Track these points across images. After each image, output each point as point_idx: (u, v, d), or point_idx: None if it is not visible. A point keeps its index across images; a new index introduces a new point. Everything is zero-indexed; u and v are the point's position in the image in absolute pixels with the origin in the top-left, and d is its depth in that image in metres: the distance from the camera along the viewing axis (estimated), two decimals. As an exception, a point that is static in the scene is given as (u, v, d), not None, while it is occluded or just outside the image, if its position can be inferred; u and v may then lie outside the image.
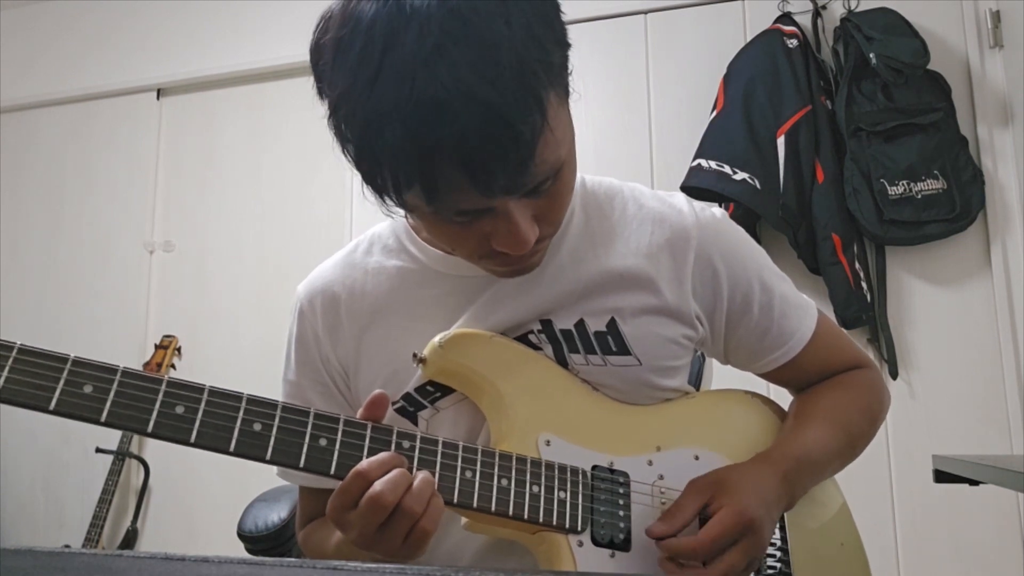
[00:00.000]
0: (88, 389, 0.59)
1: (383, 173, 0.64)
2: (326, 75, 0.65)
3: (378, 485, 0.63)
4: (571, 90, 0.69)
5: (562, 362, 0.81)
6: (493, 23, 0.59)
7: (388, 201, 0.67)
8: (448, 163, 0.61)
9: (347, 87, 0.62)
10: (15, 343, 0.58)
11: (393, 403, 0.82)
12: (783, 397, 0.96)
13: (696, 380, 1.07)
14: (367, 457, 0.66)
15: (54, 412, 0.57)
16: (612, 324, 0.81)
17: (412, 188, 0.63)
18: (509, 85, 0.59)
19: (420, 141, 0.60)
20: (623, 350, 0.81)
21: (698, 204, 0.88)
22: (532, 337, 0.81)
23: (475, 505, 0.69)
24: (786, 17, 2.26)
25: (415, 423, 0.83)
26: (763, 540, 0.75)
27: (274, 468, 0.78)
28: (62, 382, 0.58)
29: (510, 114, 0.59)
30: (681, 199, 0.87)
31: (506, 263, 0.73)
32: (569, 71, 0.68)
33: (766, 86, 2.14)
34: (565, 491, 0.74)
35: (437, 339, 0.78)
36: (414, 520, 0.64)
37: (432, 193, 0.63)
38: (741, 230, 0.90)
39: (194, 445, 0.60)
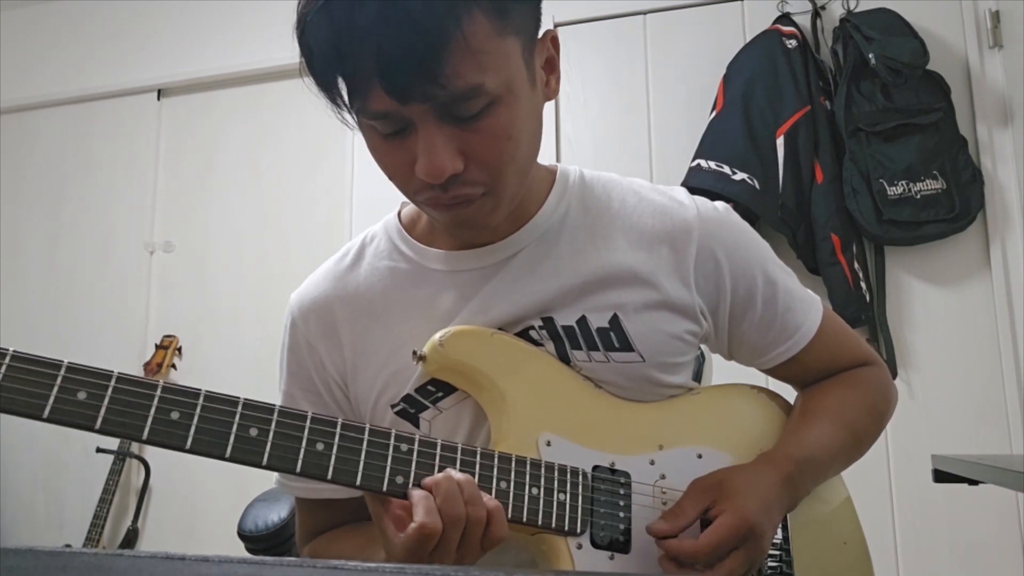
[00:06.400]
0: (82, 396, 0.57)
1: (316, 68, 0.67)
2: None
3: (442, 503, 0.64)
4: (535, 34, 0.72)
5: (564, 359, 0.80)
6: None
7: (337, 106, 0.69)
8: (363, 56, 0.63)
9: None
10: (8, 350, 0.56)
11: (393, 406, 0.82)
12: (787, 394, 0.95)
13: (696, 380, 1.06)
14: (364, 460, 0.65)
15: (48, 420, 0.56)
16: (615, 320, 0.80)
17: (339, 83, 0.66)
18: None
19: (339, 31, 0.63)
20: (626, 346, 0.80)
21: (700, 197, 0.87)
22: (533, 333, 0.80)
23: None
24: (785, 18, 2.26)
25: (416, 425, 0.82)
26: (763, 545, 0.74)
27: (274, 470, 0.78)
28: (56, 389, 0.56)
29: (420, 12, 0.61)
30: (682, 192, 0.86)
31: (437, 202, 0.72)
32: (535, 22, 0.71)
33: (765, 86, 2.14)
34: (565, 493, 0.73)
35: (437, 336, 0.77)
36: (483, 525, 0.65)
37: (354, 88, 0.66)
38: (744, 223, 0.88)
39: (189, 451, 0.59)
